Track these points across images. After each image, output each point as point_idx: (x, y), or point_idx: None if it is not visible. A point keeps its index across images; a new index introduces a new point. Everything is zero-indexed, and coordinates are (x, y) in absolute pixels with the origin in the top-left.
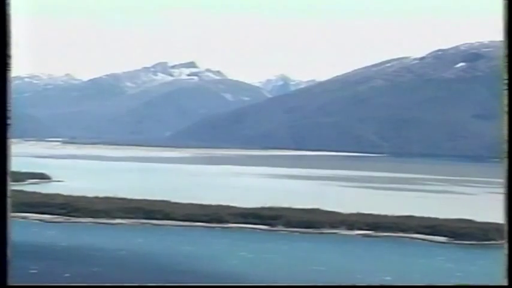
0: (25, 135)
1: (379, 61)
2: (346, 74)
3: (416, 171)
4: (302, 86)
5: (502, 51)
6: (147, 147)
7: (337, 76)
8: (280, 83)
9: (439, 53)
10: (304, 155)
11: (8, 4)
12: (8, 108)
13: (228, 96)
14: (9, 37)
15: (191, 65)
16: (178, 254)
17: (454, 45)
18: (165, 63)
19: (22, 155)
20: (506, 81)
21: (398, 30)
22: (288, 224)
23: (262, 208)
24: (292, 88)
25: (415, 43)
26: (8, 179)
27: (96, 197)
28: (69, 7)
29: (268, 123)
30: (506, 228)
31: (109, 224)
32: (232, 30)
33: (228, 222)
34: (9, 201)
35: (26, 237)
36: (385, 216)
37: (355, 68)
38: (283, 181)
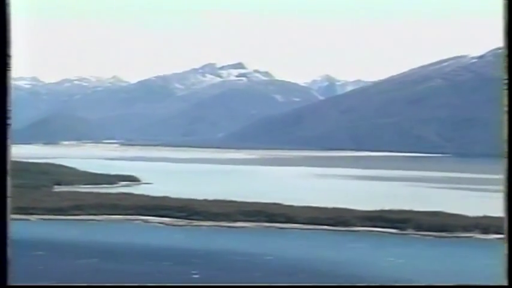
0: (81, 138)
1: (435, 60)
2: (402, 73)
3: (495, 172)
4: (349, 87)
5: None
6: (204, 148)
7: (392, 76)
8: (326, 83)
9: (499, 51)
10: (367, 155)
11: (8, 4)
12: (8, 108)
13: (278, 97)
14: (9, 37)
15: (239, 66)
16: (327, 259)
17: None
18: (213, 64)
19: (90, 157)
20: (506, 81)
21: (447, 30)
22: (419, 227)
23: (383, 211)
24: (339, 88)
25: (470, 42)
26: (8, 178)
27: (206, 200)
28: (112, 10)
29: (326, 124)
30: (505, 227)
31: (232, 227)
32: (274, 31)
33: (354, 225)
34: (9, 200)
35: (160, 241)
36: None
37: (412, 68)
38: (370, 183)
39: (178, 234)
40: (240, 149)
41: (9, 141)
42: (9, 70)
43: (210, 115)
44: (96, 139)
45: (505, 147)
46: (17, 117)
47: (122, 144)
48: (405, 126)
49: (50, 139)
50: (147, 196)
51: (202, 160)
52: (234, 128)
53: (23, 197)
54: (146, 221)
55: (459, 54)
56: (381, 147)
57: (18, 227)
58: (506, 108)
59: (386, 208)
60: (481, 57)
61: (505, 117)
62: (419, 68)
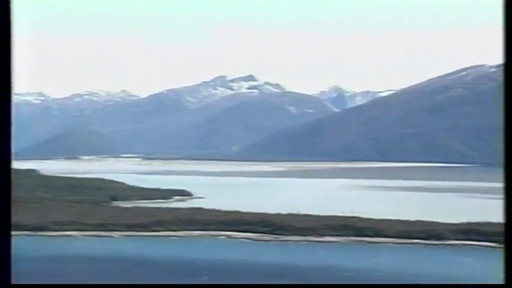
0: (98, 152)
1: (452, 70)
2: (420, 83)
3: None
4: (358, 97)
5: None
6: (225, 161)
7: (411, 86)
8: (334, 94)
9: None
10: (394, 166)
11: (11, 7)
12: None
13: (292, 109)
14: (12, 40)
15: (250, 78)
16: (444, 275)
17: None
18: (224, 77)
19: (122, 172)
20: (504, 82)
21: (455, 41)
22: None
23: (470, 223)
24: (348, 100)
25: (483, 52)
26: (11, 178)
27: (280, 214)
28: (118, 25)
29: (347, 136)
30: (504, 228)
31: (321, 242)
32: (281, 42)
33: (448, 239)
34: (11, 200)
35: (259, 257)
36: None
37: (429, 78)
38: (423, 194)
39: (271, 250)
40: (259, 161)
41: (10, 139)
42: (11, 67)
43: (223, 128)
44: (114, 153)
45: (503, 146)
46: (32, 132)
47: (142, 158)
48: (429, 136)
49: (69, 154)
50: (219, 211)
51: (232, 173)
52: (249, 141)
53: (96, 213)
54: (230, 237)
55: (477, 64)
56: (406, 158)
57: (104, 244)
58: (504, 108)
59: (473, 220)
60: (499, 66)
61: (503, 119)
62: (437, 77)
